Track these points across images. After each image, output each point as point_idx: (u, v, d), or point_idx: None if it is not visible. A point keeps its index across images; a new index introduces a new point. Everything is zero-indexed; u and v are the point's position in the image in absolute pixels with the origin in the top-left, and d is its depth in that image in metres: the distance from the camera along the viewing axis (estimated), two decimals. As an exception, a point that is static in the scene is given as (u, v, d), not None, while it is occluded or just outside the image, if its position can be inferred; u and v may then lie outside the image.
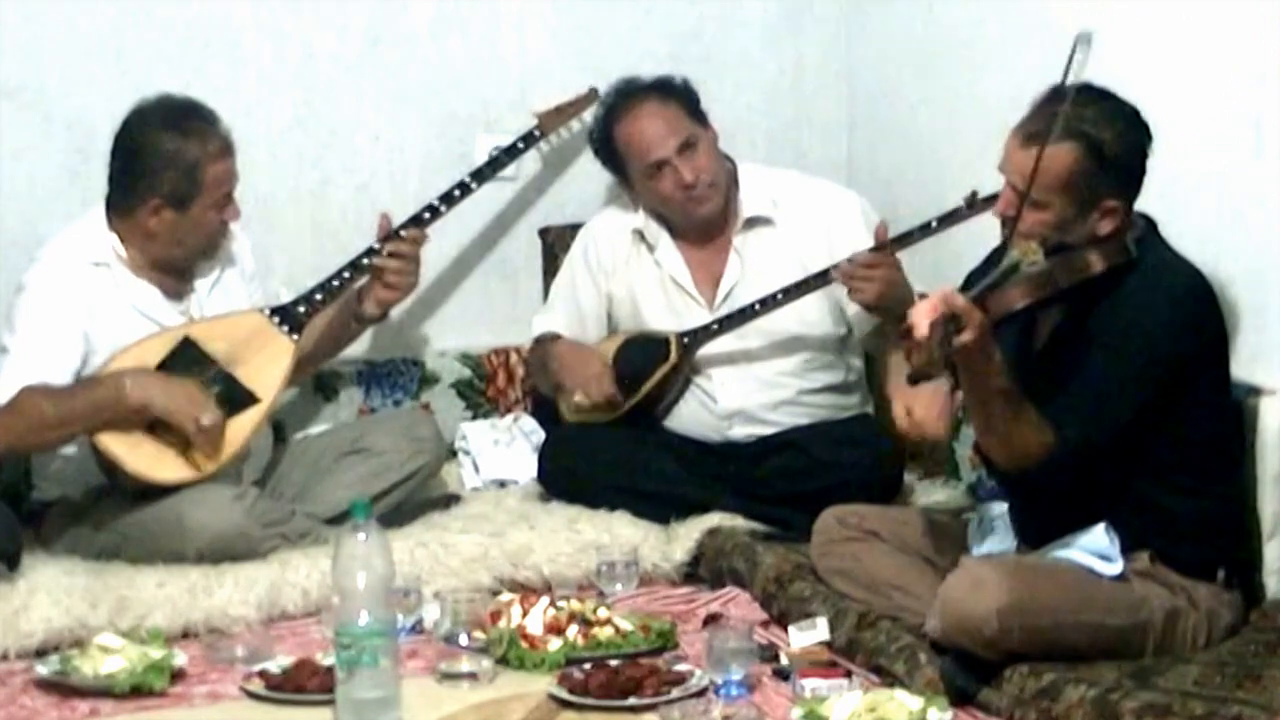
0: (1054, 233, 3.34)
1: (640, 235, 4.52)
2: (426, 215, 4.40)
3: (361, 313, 4.33)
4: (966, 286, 3.36)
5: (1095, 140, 3.31)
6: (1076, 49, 3.26)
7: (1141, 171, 3.39)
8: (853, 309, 4.33)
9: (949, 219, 4.10)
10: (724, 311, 4.40)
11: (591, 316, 4.57)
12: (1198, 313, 3.36)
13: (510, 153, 4.65)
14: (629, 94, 4.47)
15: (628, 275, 4.53)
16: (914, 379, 3.25)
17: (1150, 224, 3.45)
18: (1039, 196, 3.31)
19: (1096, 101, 3.34)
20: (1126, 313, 3.31)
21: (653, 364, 4.41)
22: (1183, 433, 3.36)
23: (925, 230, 4.14)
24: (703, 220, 4.43)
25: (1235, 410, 3.53)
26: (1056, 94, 3.34)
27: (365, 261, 4.28)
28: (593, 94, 4.76)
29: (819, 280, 4.26)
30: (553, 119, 4.73)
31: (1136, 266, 3.35)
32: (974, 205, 4.04)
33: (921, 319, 3.16)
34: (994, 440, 3.38)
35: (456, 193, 4.49)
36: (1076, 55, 3.26)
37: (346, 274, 4.29)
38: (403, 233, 4.31)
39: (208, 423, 3.96)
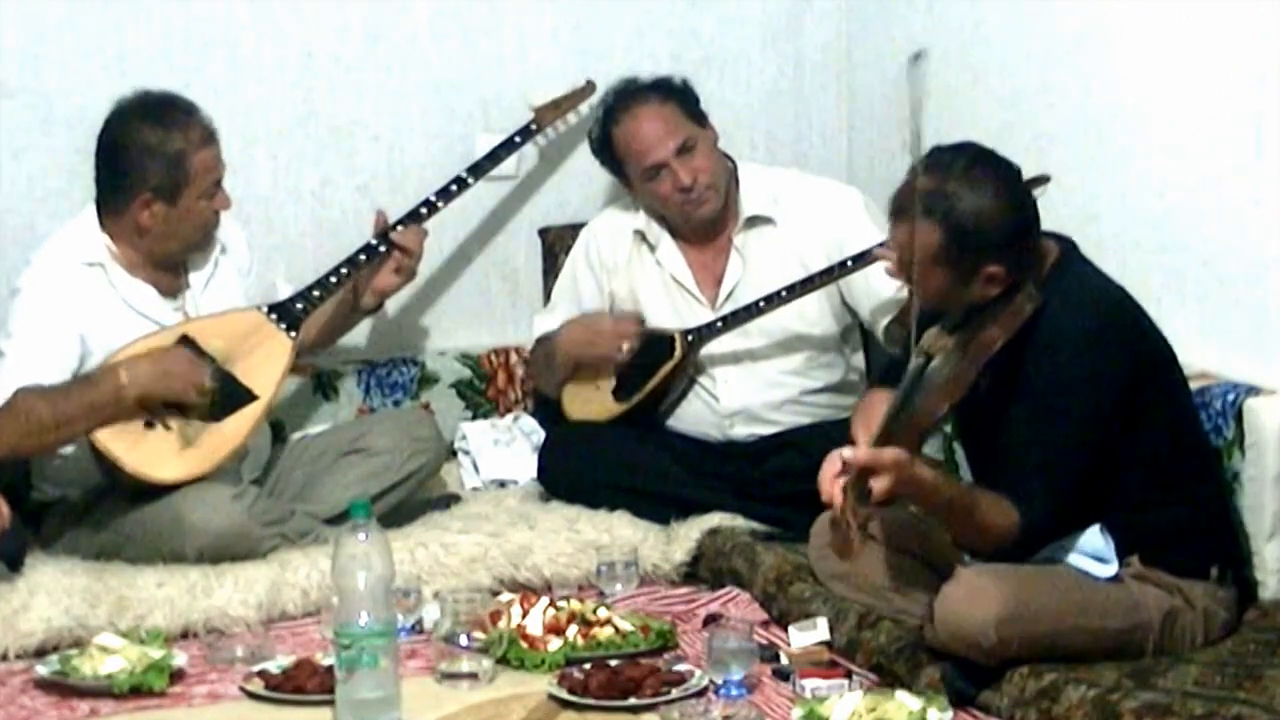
0: (943, 302, 3.32)
1: (641, 236, 4.51)
2: (423, 211, 4.43)
3: (359, 304, 4.37)
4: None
5: (952, 216, 3.25)
6: (911, 66, 3.22)
7: (1017, 233, 3.30)
8: (873, 301, 4.30)
9: None
10: (726, 310, 4.40)
11: (594, 316, 4.58)
12: (1113, 339, 3.29)
13: (507, 147, 4.65)
14: (627, 95, 4.46)
15: (629, 275, 4.53)
16: (841, 554, 3.25)
17: (1065, 248, 3.39)
18: (917, 272, 3.28)
19: (957, 172, 3.27)
20: (1043, 367, 3.26)
21: (657, 362, 4.41)
22: (1149, 450, 3.33)
23: None
24: (702, 221, 4.43)
25: (1234, 407, 3.53)
26: (925, 161, 3.27)
27: (362, 258, 4.31)
28: (590, 86, 4.76)
29: (840, 270, 4.23)
30: (549, 113, 4.73)
31: (1046, 307, 3.29)
32: None
33: (831, 490, 3.12)
34: (960, 536, 3.38)
35: (454, 188, 4.50)
36: (912, 72, 3.22)
37: (344, 270, 4.30)
38: (400, 228, 4.34)
39: (208, 384, 3.97)
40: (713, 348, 4.41)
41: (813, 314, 4.40)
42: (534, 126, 4.70)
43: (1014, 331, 3.28)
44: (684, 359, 4.40)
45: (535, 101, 4.72)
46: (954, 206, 3.26)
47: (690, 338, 4.39)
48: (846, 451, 3.16)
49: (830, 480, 3.16)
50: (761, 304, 4.33)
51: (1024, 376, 3.30)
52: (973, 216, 3.25)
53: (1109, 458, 3.30)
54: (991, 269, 3.29)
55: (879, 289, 4.26)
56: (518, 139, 4.66)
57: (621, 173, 4.49)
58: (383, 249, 4.33)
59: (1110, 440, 3.29)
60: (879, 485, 3.10)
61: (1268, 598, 3.51)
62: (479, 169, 4.57)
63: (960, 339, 3.29)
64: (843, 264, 4.24)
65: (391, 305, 4.72)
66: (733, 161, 4.50)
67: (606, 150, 4.49)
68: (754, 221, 4.44)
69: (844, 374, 4.48)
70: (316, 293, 4.26)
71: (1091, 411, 3.26)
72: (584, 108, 4.76)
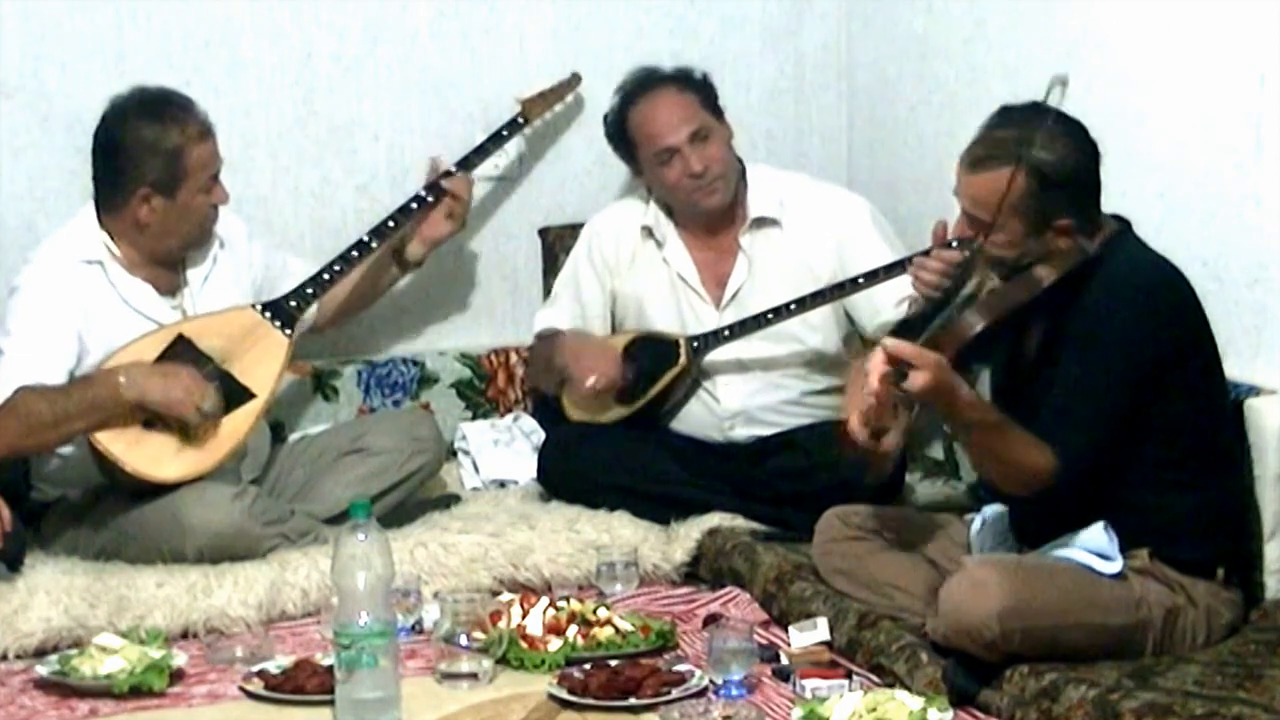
0: (1012, 253, 3.35)
1: (649, 232, 4.51)
2: (415, 206, 4.50)
3: (405, 256, 4.48)
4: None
5: (1038, 164, 3.30)
6: (1051, 91, 3.24)
7: (1092, 188, 3.38)
8: (875, 320, 4.27)
9: None
10: (730, 311, 4.40)
11: (595, 314, 4.56)
12: (1164, 309, 3.33)
13: (495, 141, 4.68)
14: (647, 81, 4.45)
15: (633, 272, 4.52)
16: (873, 435, 3.28)
17: (1124, 224, 3.44)
18: (995, 221, 3.31)
19: (1039, 124, 3.31)
20: (1092, 318, 3.31)
21: (661, 367, 4.40)
22: (1174, 429, 3.35)
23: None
24: (709, 212, 4.41)
25: (1234, 407, 3.52)
26: (1001, 117, 3.37)
27: (413, 206, 4.47)
28: (575, 79, 4.79)
29: (852, 286, 4.23)
30: (536, 105, 4.76)
31: (1102, 269, 3.34)
32: None
33: (871, 375, 3.16)
34: (990, 469, 3.39)
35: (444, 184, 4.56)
36: (1053, 96, 3.25)
37: (338, 267, 4.33)
38: (452, 172, 4.53)
39: (208, 408, 3.97)
40: (714, 349, 4.40)
41: (815, 319, 4.38)
42: (521, 120, 4.72)
43: (1062, 273, 3.32)
44: (688, 366, 4.39)
45: (522, 95, 4.74)
46: (1040, 154, 3.30)
47: (695, 344, 4.38)
48: (890, 342, 3.20)
49: (875, 369, 3.18)
50: (770, 315, 4.31)
51: (1072, 331, 3.33)
52: (1057, 164, 3.30)
53: (1136, 427, 3.30)
54: (1063, 221, 3.33)
55: (881, 307, 4.23)
56: (505, 133, 4.69)
57: (633, 158, 4.48)
58: (430, 199, 4.47)
59: (1140, 405, 3.30)
60: (917, 380, 3.15)
61: (1269, 598, 3.50)
62: (468, 164, 4.61)
63: (1012, 278, 3.34)
64: (854, 280, 4.22)
65: (391, 305, 4.73)
66: (741, 163, 4.49)
67: (620, 134, 4.47)
68: (761, 223, 4.43)
69: (845, 375, 4.47)
70: (311, 290, 4.28)
71: (1129, 369, 3.28)
72: (570, 99, 4.80)
